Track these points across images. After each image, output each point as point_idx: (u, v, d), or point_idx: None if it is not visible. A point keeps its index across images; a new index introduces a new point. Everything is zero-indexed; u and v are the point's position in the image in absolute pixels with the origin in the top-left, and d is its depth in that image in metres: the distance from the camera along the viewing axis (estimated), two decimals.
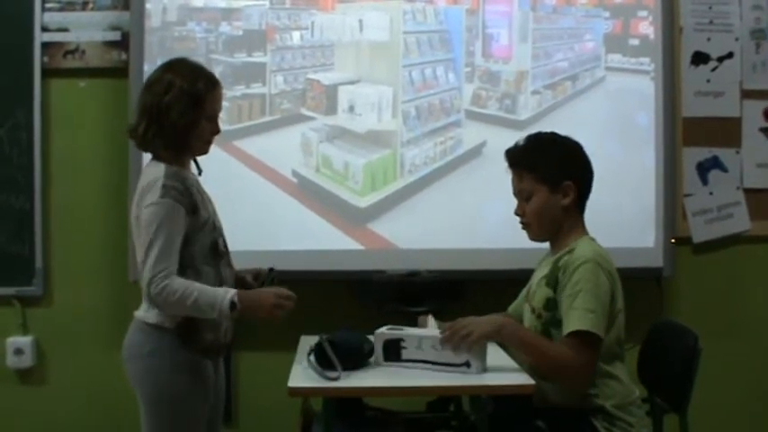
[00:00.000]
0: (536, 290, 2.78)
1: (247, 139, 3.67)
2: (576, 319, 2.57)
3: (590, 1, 3.78)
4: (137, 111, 2.62)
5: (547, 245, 2.86)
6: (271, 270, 2.73)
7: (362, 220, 3.69)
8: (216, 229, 2.65)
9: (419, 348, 2.63)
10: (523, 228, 2.82)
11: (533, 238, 2.82)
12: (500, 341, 2.75)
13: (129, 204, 3.53)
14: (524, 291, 3.00)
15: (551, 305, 2.67)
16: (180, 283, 2.46)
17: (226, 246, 2.70)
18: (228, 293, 2.49)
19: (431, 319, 2.93)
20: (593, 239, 2.77)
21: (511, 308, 3.04)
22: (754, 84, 3.92)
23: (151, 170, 2.57)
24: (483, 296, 3.40)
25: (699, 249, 3.93)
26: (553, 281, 2.68)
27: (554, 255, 2.77)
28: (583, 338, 2.55)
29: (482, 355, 2.59)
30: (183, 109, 2.53)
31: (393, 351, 2.65)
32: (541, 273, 2.78)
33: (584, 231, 2.78)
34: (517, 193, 2.81)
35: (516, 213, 2.81)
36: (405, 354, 2.64)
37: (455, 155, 3.73)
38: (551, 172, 2.73)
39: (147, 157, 2.60)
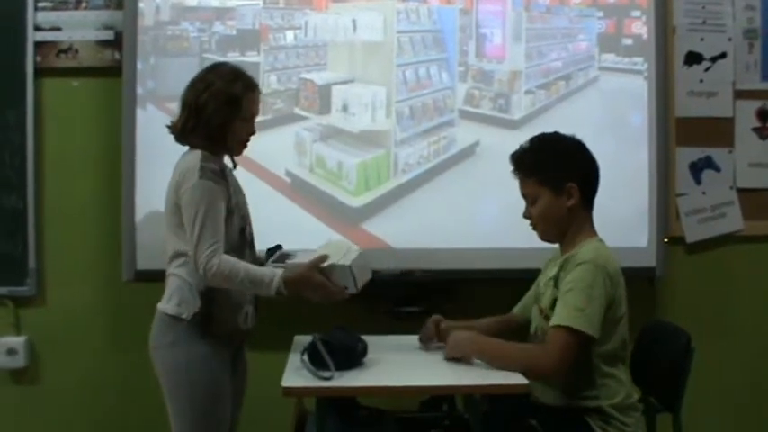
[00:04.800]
0: (544, 291, 2.79)
1: None
2: (562, 314, 2.60)
3: (583, 1, 3.78)
4: (179, 106, 2.77)
5: (541, 244, 2.87)
6: (278, 247, 2.89)
7: (356, 220, 3.69)
8: (243, 218, 2.78)
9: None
10: (533, 229, 2.82)
11: (543, 239, 2.83)
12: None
13: (123, 204, 3.57)
14: (530, 292, 3.01)
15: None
16: (226, 262, 2.59)
17: (252, 235, 2.83)
18: (275, 278, 2.62)
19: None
20: (600, 241, 2.77)
21: (517, 308, 3.05)
22: (746, 84, 3.92)
23: (188, 157, 2.70)
24: (477, 296, 3.40)
25: (692, 249, 3.94)
26: (558, 282, 2.70)
27: (563, 255, 2.78)
28: (565, 333, 2.57)
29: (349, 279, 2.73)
30: (218, 107, 2.69)
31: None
32: (551, 273, 2.79)
33: (592, 232, 2.78)
34: (524, 197, 2.81)
35: (525, 216, 2.82)
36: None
37: (448, 154, 3.73)
38: (553, 175, 2.73)
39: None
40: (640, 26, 3.78)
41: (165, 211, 2.73)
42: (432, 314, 3.01)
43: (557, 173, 2.73)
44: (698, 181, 3.91)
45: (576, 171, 2.75)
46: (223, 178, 2.69)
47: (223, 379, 2.72)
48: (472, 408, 2.70)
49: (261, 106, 3.57)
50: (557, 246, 2.85)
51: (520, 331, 2.97)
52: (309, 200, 3.68)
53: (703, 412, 3.53)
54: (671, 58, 3.85)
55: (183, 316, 2.66)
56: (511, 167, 2.81)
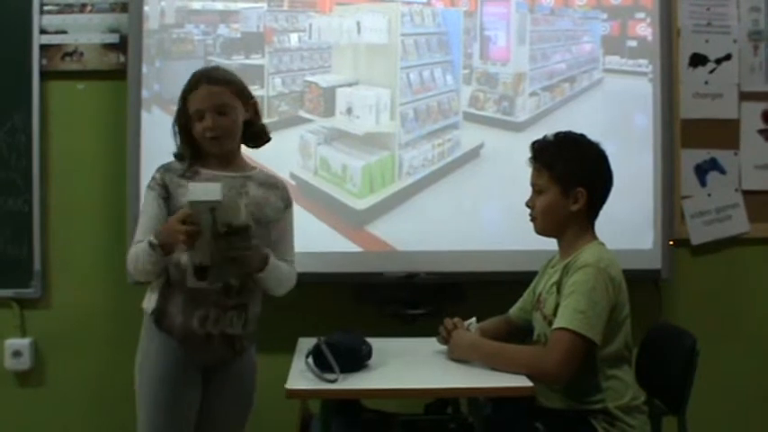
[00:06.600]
0: (547, 297, 2.79)
1: None
2: (563, 317, 2.60)
3: (588, 3, 3.78)
4: None
5: (547, 247, 2.87)
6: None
7: (361, 223, 3.69)
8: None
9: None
10: (531, 220, 2.84)
11: (537, 232, 2.85)
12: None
13: (128, 206, 3.58)
14: (526, 294, 3.01)
15: None
16: (129, 253, 2.72)
17: None
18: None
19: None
20: (601, 244, 2.78)
21: (513, 311, 3.05)
22: (752, 86, 3.92)
23: None
24: (481, 298, 3.40)
25: (697, 251, 3.93)
26: (561, 287, 2.70)
27: (563, 261, 2.78)
28: (566, 336, 2.57)
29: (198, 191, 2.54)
30: (179, 111, 2.78)
31: None
32: (552, 279, 2.79)
33: (592, 237, 2.79)
34: (532, 185, 2.83)
35: (527, 204, 2.84)
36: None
37: (453, 157, 3.72)
38: (567, 175, 2.75)
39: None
40: (645, 28, 3.77)
41: None
42: (437, 316, 3.01)
43: (572, 174, 2.75)
44: (703, 183, 3.90)
45: (589, 178, 2.76)
46: (161, 184, 2.72)
47: (173, 379, 2.70)
48: (476, 411, 2.70)
49: (266, 109, 3.61)
50: (557, 249, 2.86)
51: (517, 333, 2.99)
52: (314, 202, 3.67)
53: (709, 415, 3.51)
54: (676, 60, 3.84)
55: (147, 311, 2.77)
56: (529, 154, 2.83)
